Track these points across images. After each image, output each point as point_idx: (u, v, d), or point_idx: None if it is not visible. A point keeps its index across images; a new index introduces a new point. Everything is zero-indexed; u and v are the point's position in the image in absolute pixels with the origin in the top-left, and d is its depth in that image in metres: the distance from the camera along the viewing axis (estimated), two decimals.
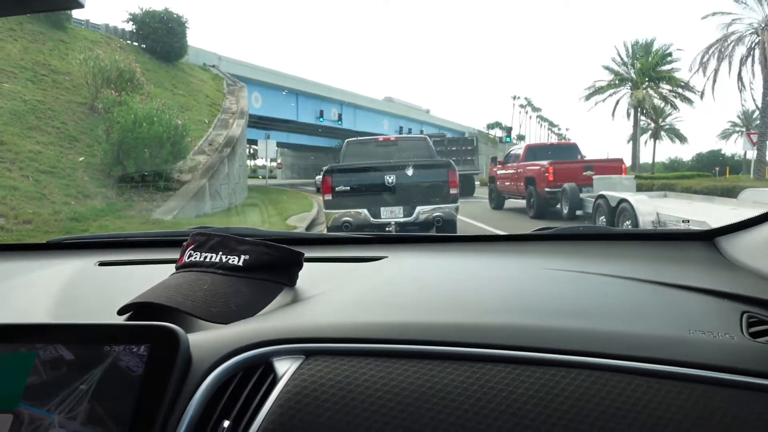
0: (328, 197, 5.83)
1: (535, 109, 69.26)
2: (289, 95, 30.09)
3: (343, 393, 0.51)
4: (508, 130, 42.38)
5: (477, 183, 27.22)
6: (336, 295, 0.77)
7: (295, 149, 51.38)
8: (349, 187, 5.82)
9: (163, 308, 0.66)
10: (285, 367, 0.54)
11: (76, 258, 1.07)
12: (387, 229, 5.72)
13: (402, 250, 1.06)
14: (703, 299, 0.71)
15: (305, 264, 0.83)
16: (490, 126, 63.16)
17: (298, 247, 0.83)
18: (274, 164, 50.96)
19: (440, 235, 1.33)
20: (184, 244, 0.81)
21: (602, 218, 7.59)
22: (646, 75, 28.36)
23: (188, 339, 0.55)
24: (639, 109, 28.43)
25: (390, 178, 5.76)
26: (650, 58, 28.11)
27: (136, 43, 18.27)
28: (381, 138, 7.78)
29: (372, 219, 5.74)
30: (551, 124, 75.57)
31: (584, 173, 10.26)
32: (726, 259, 0.90)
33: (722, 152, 47.54)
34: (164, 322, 0.56)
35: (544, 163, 10.80)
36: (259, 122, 29.18)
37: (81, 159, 9.79)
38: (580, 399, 0.49)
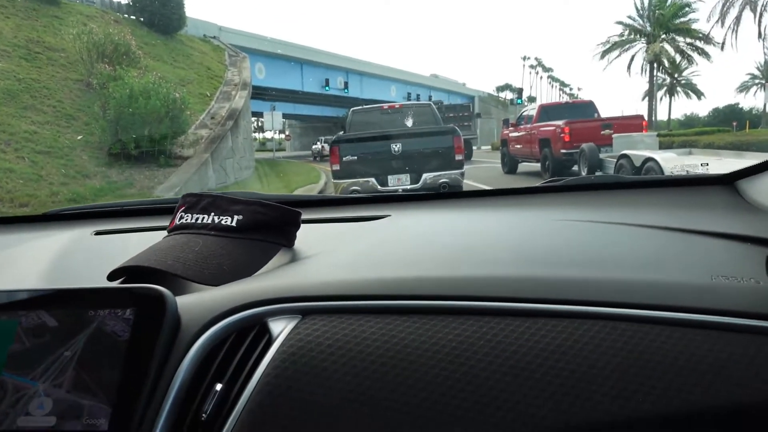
0: (336, 167, 5.90)
1: (546, 69, 67.64)
2: (293, 64, 29.43)
3: (341, 352, 0.49)
4: (519, 91, 41.31)
5: (488, 147, 26.65)
6: (335, 254, 0.74)
7: (303, 120, 50.88)
8: (356, 157, 5.89)
9: (154, 272, 0.63)
10: (280, 328, 0.52)
11: (73, 228, 1.05)
12: (397, 194, 5.53)
13: (405, 208, 1.01)
14: (725, 244, 0.67)
15: (304, 225, 0.80)
16: (500, 89, 61.95)
17: (296, 208, 0.78)
18: (282, 136, 50.65)
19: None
20: (176, 206, 0.79)
21: None
22: (663, 27, 27.08)
23: (176, 301, 0.53)
24: (655, 64, 27.32)
25: (396, 146, 5.84)
26: (667, 9, 26.77)
27: (133, 17, 17.78)
28: (386, 106, 7.82)
29: (379, 187, 5.82)
30: (563, 84, 73.86)
31: (602, 132, 9.77)
32: (747, 202, 0.86)
33: (740, 106, 46.15)
34: (157, 284, 0.53)
35: (560, 123, 10.16)
36: (263, 93, 28.66)
37: (79, 137, 9.52)
38: (595, 350, 0.46)
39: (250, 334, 0.53)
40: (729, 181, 0.95)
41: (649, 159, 6.47)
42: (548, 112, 11.65)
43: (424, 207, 1.04)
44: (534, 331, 0.49)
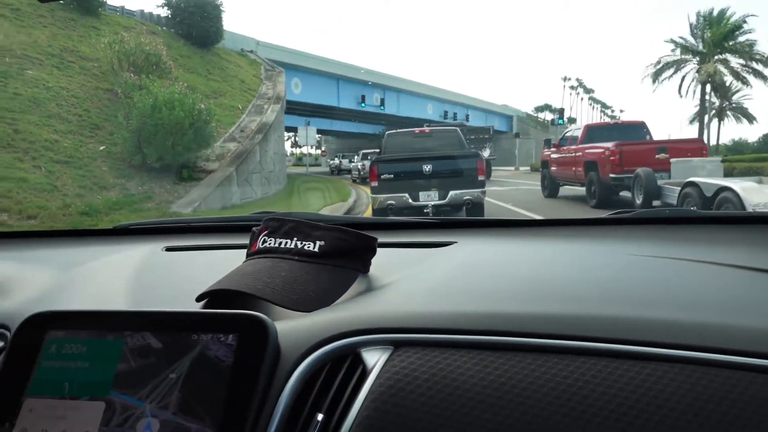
0: (375, 184, 6.64)
1: (587, 91, 66.06)
2: (330, 80, 29.27)
3: (438, 387, 0.49)
4: (561, 111, 40.13)
5: (527, 168, 25.83)
6: (412, 282, 0.73)
7: (339, 136, 50.93)
8: (392, 175, 6.60)
9: (240, 295, 0.64)
10: (374, 359, 0.53)
11: (143, 243, 1.05)
12: (425, 211, 6.51)
13: (470, 235, 1.01)
14: None
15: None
16: (539, 109, 60.74)
17: (367, 232, 0.79)
18: (318, 151, 50.77)
19: (509, 220, 1.11)
20: (254, 229, 0.79)
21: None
22: (717, 46, 25.50)
23: (276, 328, 0.54)
24: (711, 85, 25.78)
25: (427, 167, 6.53)
26: (722, 27, 24.97)
27: (172, 30, 17.82)
28: (417, 130, 8.66)
29: (411, 201, 6.51)
30: (604, 105, 72.06)
31: (657, 156, 8.96)
32: None
33: None
34: (243, 309, 0.55)
35: (609, 144, 9.38)
36: (299, 109, 28.53)
37: (102, 148, 9.21)
38: (686, 395, 0.46)
39: (344, 363, 0.53)
40: None
41: (724, 188, 5.59)
42: (594, 132, 10.92)
43: (488, 234, 1.04)
44: (624, 372, 0.48)
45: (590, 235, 0.99)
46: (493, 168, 18.19)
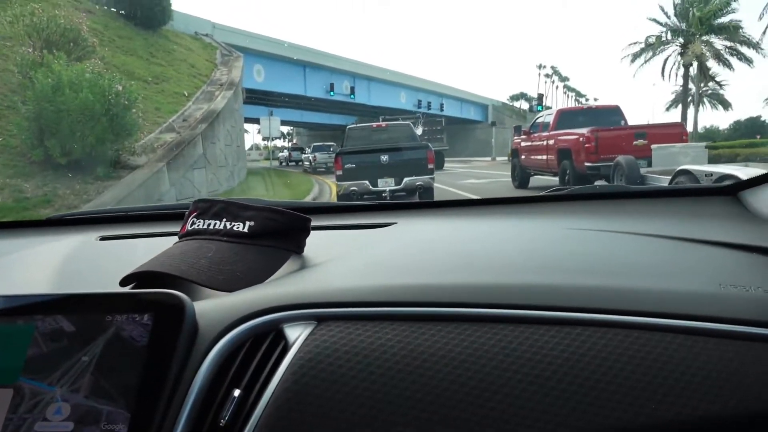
0: (339, 172, 7.50)
1: (562, 78, 65.33)
2: (296, 68, 27.43)
3: (358, 358, 0.49)
4: (540, 97, 38.87)
5: (504, 158, 24.88)
6: (346, 260, 0.74)
7: (311, 128, 49.08)
8: (354, 165, 7.47)
9: (166, 278, 0.63)
10: (296, 334, 0.52)
11: (77, 234, 1.04)
12: (383, 195, 7.30)
13: (411, 216, 1.03)
14: (731, 254, 0.69)
15: (313, 232, 0.80)
16: (514, 97, 59.73)
17: (307, 215, 0.79)
18: (286, 143, 48.87)
19: (450, 201, 1.11)
20: (187, 212, 0.78)
21: None
22: (705, 25, 24.16)
23: (194, 306, 0.53)
24: (700, 66, 24.54)
25: (384, 158, 7.47)
26: (711, 5, 23.80)
27: (113, 9, 15.96)
28: (375, 125, 9.81)
29: (371, 187, 7.39)
30: (578, 93, 71.55)
31: (635, 143, 8.38)
32: (750, 213, 0.88)
33: (762, 119, 43.73)
34: (172, 290, 0.54)
35: (583, 130, 8.64)
36: (263, 98, 26.71)
37: None
38: (608, 358, 0.47)
39: (266, 340, 0.52)
40: (732, 192, 0.97)
41: (727, 176, 4.35)
42: (567, 118, 10.14)
43: (429, 215, 1.05)
44: (548, 339, 0.49)
45: (528, 212, 1.02)
46: (470, 159, 17.95)
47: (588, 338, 0.49)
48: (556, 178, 9.72)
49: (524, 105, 58.08)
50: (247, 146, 28.30)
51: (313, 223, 0.81)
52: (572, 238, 0.79)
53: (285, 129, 67.63)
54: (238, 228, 0.72)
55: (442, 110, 41.75)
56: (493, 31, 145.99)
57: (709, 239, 0.72)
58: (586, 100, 75.61)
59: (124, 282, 0.65)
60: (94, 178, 7.66)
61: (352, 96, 31.36)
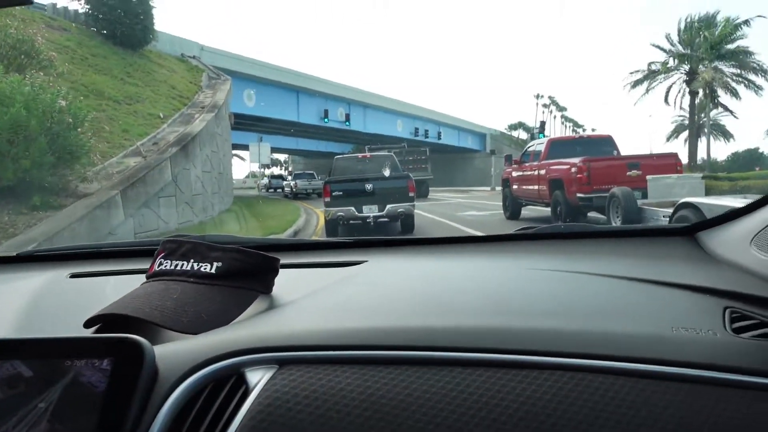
0: (327, 199, 8.15)
1: (560, 108, 65.00)
2: (288, 93, 26.56)
3: (317, 403, 0.49)
4: (542, 125, 38.01)
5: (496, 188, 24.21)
6: (312, 301, 0.74)
7: (306, 156, 48.15)
8: (341, 192, 8.16)
9: (131, 320, 0.63)
10: (257, 378, 0.52)
11: (47, 270, 1.03)
12: (367, 220, 8.00)
13: (381, 254, 1.04)
14: (685, 295, 0.70)
15: (282, 270, 0.81)
16: (513, 126, 59.14)
17: (275, 254, 0.81)
18: (283, 171, 47.82)
19: (421, 238, 1.14)
20: (156, 252, 0.78)
21: None
22: (715, 50, 23.26)
23: (154, 351, 0.52)
24: (710, 94, 23.57)
25: (369, 186, 8.17)
26: (720, 30, 23.03)
27: (93, 29, 15.05)
28: (360, 155, 10.75)
29: (357, 213, 8.04)
30: (576, 124, 71.22)
31: (628, 173, 8.15)
32: (707, 254, 0.90)
33: (760, 151, 43.13)
34: (133, 334, 0.53)
35: (575, 160, 8.47)
36: (253, 124, 25.80)
37: None
38: (563, 402, 0.48)
39: (227, 384, 0.52)
40: (690, 233, 0.99)
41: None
42: (558, 147, 9.96)
43: (399, 253, 1.06)
44: (504, 383, 0.50)
45: (493, 251, 1.05)
46: (469, 188, 18.17)
47: (543, 382, 0.50)
48: (549, 209, 9.39)
49: (522, 134, 57.51)
50: (244, 174, 27.72)
51: (284, 261, 0.82)
52: (533, 279, 0.82)
53: (281, 156, 66.90)
54: (205, 269, 0.72)
55: (439, 138, 41.00)
56: (490, 60, 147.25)
57: (666, 280, 0.74)
58: (584, 130, 75.21)
59: (88, 324, 0.64)
60: (29, 207, 6.46)
61: (347, 123, 30.50)
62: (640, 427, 0.46)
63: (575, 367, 0.51)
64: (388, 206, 8.00)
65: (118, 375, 0.49)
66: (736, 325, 0.59)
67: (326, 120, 28.68)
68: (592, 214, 8.51)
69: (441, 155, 45.29)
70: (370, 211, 8.00)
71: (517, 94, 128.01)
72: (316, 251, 1.09)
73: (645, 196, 7.51)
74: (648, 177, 7.72)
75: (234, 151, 19.91)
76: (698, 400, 0.47)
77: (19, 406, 0.48)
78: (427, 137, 39.43)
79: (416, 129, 38.10)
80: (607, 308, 0.66)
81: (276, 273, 0.79)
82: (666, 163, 8.49)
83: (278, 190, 32.32)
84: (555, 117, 65.47)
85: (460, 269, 0.92)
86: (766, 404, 0.47)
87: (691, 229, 0.98)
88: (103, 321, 0.65)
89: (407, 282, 0.84)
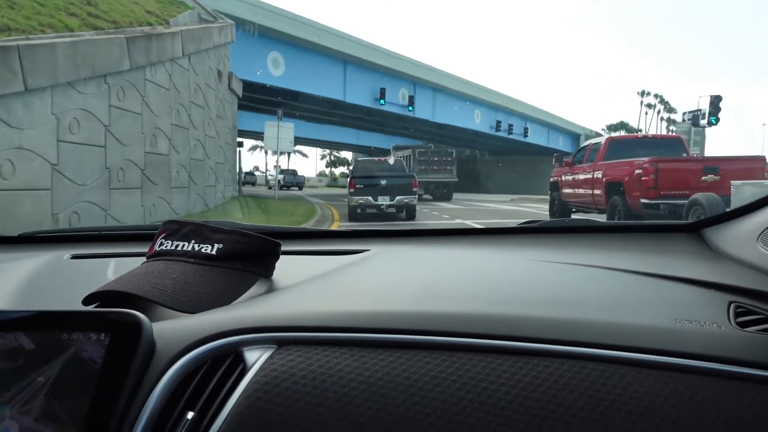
0: (352, 190, 10.88)
1: (669, 109, 54.83)
2: (331, 61, 20.11)
3: (315, 383, 0.50)
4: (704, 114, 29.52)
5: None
6: (313, 285, 0.75)
7: (352, 150, 41.62)
8: (362, 186, 10.81)
9: (131, 298, 0.63)
10: (255, 357, 0.53)
11: (48, 251, 1.03)
12: (381, 207, 10.73)
13: (384, 243, 1.04)
14: (689, 289, 0.70)
15: (284, 256, 0.81)
16: (612, 127, 49.94)
17: (277, 240, 0.80)
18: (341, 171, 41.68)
19: (424, 229, 1.13)
20: (157, 233, 0.78)
21: None
22: None
23: (152, 327, 0.52)
24: None
25: (383, 182, 10.88)
26: None
27: None
28: (377, 159, 14.04)
29: (373, 201, 10.66)
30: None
31: (703, 178, 7.16)
32: (712, 250, 0.90)
33: None
34: (134, 310, 0.53)
35: (642, 159, 7.50)
36: (279, 101, 19.52)
37: None
38: (563, 389, 0.49)
39: (225, 362, 0.52)
40: (696, 229, 0.98)
41: None
42: (618, 147, 8.82)
43: (403, 242, 1.06)
44: (504, 369, 0.50)
45: (497, 243, 1.03)
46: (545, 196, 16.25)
47: (544, 369, 0.50)
48: (603, 216, 8.38)
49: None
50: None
51: (286, 248, 0.82)
52: (538, 269, 0.82)
53: (347, 155, 60.85)
54: (206, 250, 0.72)
55: (525, 136, 33.24)
56: (591, 45, 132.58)
57: (671, 275, 0.74)
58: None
59: (87, 301, 0.64)
60: None
61: (410, 108, 23.55)
62: (641, 417, 0.46)
63: (576, 355, 0.51)
64: (397, 197, 10.72)
65: (115, 350, 0.49)
66: (741, 319, 0.59)
67: (382, 102, 21.86)
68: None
69: (524, 157, 37.79)
70: (383, 200, 10.69)
71: (618, 89, 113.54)
72: (319, 239, 1.10)
73: (727, 204, 6.40)
74: (733, 182, 6.72)
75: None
76: (700, 391, 0.48)
77: (18, 378, 0.48)
78: (510, 133, 31.77)
79: (498, 122, 30.54)
80: (610, 299, 0.66)
81: (277, 257, 0.78)
82: (750, 167, 7.43)
83: (291, 188, 33.15)
84: (662, 119, 55.43)
85: (463, 259, 0.92)
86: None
87: (697, 226, 0.99)
88: (101, 298, 0.65)
89: (409, 270, 0.84)
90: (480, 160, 41.64)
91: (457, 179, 21.29)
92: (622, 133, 47.63)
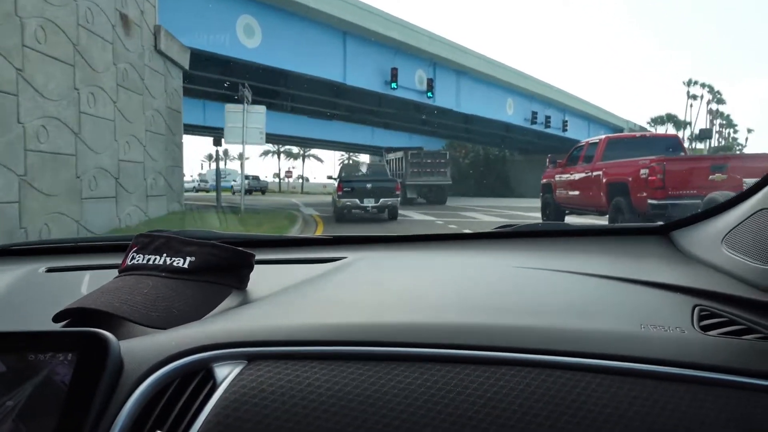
0: (340, 193, 11.55)
1: (718, 100, 49.19)
2: (327, 31, 15.81)
3: (284, 398, 0.50)
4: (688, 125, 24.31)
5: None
6: (286, 296, 0.74)
7: (353, 150, 36.82)
8: (350, 189, 11.52)
9: (101, 315, 0.63)
10: (225, 373, 0.52)
11: (23, 264, 1.02)
12: (367, 208, 11.48)
13: (362, 250, 1.04)
14: (656, 293, 0.72)
15: (259, 266, 0.81)
16: (658, 120, 44.49)
17: (253, 249, 0.81)
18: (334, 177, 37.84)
19: (400, 236, 1.14)
20: (128, 246, 0.78)
21: None
22: None
23: (119, 345, 0.52)
24: None
25: (368, 185, 11.64)
26: None
27: None
28: (361, 163, 19.81)
29: (359, 203, 11.44)
30: (729, 123, 55.04)
31: (710, 177, 6.96)
32: (680, 252, 0.91)
33: None
34: (102, 328, 0.53)
35: (646, 159, 7.25)
36: (258, 77, 15.08)
37: None
38: (529, 398, 0.50)
39: (194, 379, 0.52)
40: (664, 232, 1.00)
41: None
42: (616, 147, 8.67)
43: (379, 250, 1.06)
44: (473, 379, 0.51)
45: (472, 248, 1.05)
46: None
47: (511, 378, 0.51)
48: (601, 218, 8.63)
49: (671, 131, 42.74)
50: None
51: (261, 257, 0.83)
52: (511, 276, 0.82)
53: (364, 158, 56.41)
54: (178, 263, 0.71)
55: (565, 130, 28.33)
56: (636, 26, 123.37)
57: (638, 278, 0.76)
58: (735, 131, 58.76)
59: (57, 318, 0.64)
60: None
61: (429, 95, 18.93)
62: (605, 424, 0.47)
63: (543, 364, 0.52)
64: (381, 199, 11.56)
65: (82, 369, 0.49)
66: (705, 322, 0.61)
67: (394, 85, 17.30)
68: None
69: (561, 156, 32.76)
70: (368, 202, 11.47)
71: (665, 76, 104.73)
72: (295, 248, 1.09)
73: None
74: (746, 180, 6.44)
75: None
76: (663, 397, 0.49)
77: None
78: (548, 126, 26.91)
79: (534, 114, 25.75)
80: (578, 305, 0.67)
81: (251, 268, 0.78)
82: (761, 167, 7.06)
83: (254, 193, 34.11)
84: (716, 110, 49.77)
85: (438, 266, 0.92)
86: (729, 400, 0.49)
87: (665, 228, 1.01)
88: (72, 315, 0.64)
89: (383, 278, 0.85)
90: (509, 161, 36.77)
91: (451, 182, 20.88)
92: (670, 127, 42.18)
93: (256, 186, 39.12)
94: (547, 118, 26.80)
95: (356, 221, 11.62)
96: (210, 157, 69.59)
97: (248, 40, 13.18)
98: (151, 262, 0.72)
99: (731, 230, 0.79)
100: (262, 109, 11.15)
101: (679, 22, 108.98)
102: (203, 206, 14.99)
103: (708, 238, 0.85)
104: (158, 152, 9.09)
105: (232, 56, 12.83)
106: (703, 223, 0.90)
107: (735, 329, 0.59)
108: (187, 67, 10.41)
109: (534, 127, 26.10)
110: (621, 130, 34.96)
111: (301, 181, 66.12)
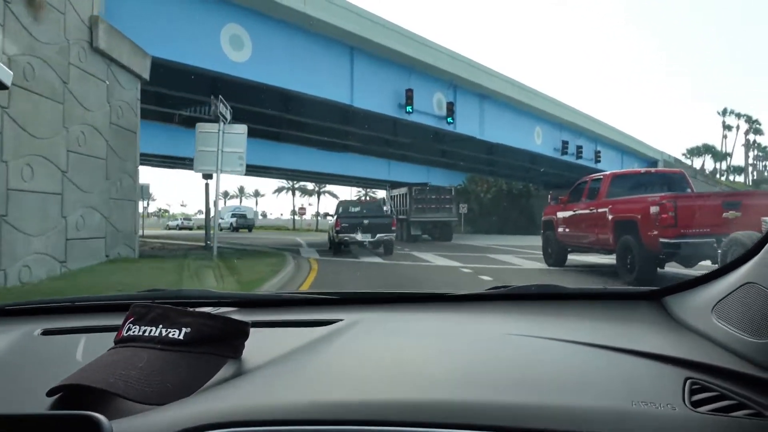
0: (338, 228, 12.97)
1: (755, 130, 46.28)
2: (331, 47, 13.86)
3: None
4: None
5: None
6: (280, 368, 0.75)
7: (360, 184, 34.58)
8: (348, 225, 12.88)
9: (96, 389, 0.62)
10: None
11: (19, 325, 1.02)
12: (363, 243, 12.93)
13: (357, 312, 1.06)
14: (648, 364, 0.72)
15: (255, 330, 0.82)
16: (694, 151, 41.65)
17: (251, 309, 0.88)
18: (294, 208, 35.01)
19: (397, 295, 1.20)
20: (125, 316, 0.78)
21: None
22: None
23: (111, 427, 0.52)
24: None
25: (365, 221, 13.04)
26: None
27: None
28: (357, 200, 20.50)
29: (357, 238, 12.77)
30: (765, 153, 51.90)
31: (724, 214, 6.73)
32: (672, 319, 0.92)
33: None
34: (98, 404, 0.55)
35: (656, 196, 7.15)
36: (254, 105, 12.97)
37: None
38: None
39: None
40: (657, 297, 1.02)
41: None
42: (620, 183, 8.52)
43: (375, 311, 1.10)
44: None
45: (467, 311, 1.09)
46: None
47: None
48: (608, 256, 8.41)
49: (709, 163, 39.92)
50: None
51: (258, 318, 0.88)
52: (503, 345, 0.83)
53: (380, 193, 54.27)
54: (173, 335, 0.72)
55: (597, 161, 25.86)
56: (672, 53, 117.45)
57: (630, 348, 0.76)
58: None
59: (51, 393, 0.64)
60: None
61: (449, 120, 16.71)
62: None
63: None
64: (378, 235, 12.86)
65: None
66: (696, 397, 0.61)
67: (409, 108, 15.11)
68: (671, 267, 7.26)
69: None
70: (365, 237, 12.77)
71: (701, 105, 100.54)
72: (293, 308, 1.12)
73: None
74: (764, 219, 6.24)
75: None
76: None
77: None
78: (579, 157, 24.49)
79: (564, 143, 23.36)
80: (570, 379, 0.68)
81: (246, 337, 0.79)
82: None
83: (241, 230, 34.61)
84: (751, 143, 46.81)
85: (432, 333, 0.94)
86: None
87: (658, 294, 1.02)
88: (67, 390, 0.64)
89: (378, 347, 0.87)
90: (535, 195, 34.24)
91: (456, 218, 20.86)
92: (708, 158, 39.30)
93: (243, 224, 38.86)
94: (579, 148, 24.40)
95: (353, 252, 13.01)
96: (226, 194, 67.92)
97: (235, 52, 11.15)
98: (147, 334, 0.72)
99: (720, 300, 0.80)
100: (242, 128, 8.96)
101: (714, 51, 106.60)
102: (177, 248, 12.91)
103: (699, 307, 0.86)
104: (91, 181, 6.87)
105: (214, 70, 10.76)
106: (695, 289, 0.91)
107: (726, 405, 0.59)
108: (146, 76, 8.33)
109: (565, 158, 23.68)
110: (656, 162, 32.42)
111: (316, 218, 64.25)
